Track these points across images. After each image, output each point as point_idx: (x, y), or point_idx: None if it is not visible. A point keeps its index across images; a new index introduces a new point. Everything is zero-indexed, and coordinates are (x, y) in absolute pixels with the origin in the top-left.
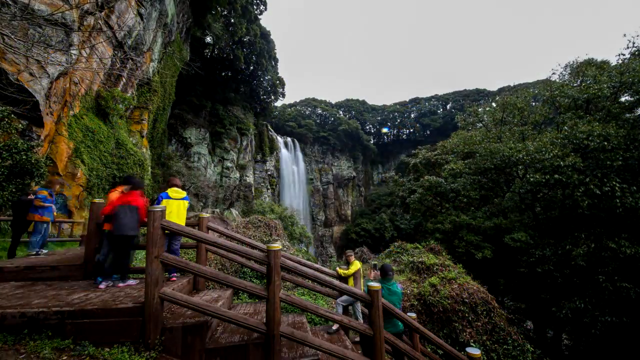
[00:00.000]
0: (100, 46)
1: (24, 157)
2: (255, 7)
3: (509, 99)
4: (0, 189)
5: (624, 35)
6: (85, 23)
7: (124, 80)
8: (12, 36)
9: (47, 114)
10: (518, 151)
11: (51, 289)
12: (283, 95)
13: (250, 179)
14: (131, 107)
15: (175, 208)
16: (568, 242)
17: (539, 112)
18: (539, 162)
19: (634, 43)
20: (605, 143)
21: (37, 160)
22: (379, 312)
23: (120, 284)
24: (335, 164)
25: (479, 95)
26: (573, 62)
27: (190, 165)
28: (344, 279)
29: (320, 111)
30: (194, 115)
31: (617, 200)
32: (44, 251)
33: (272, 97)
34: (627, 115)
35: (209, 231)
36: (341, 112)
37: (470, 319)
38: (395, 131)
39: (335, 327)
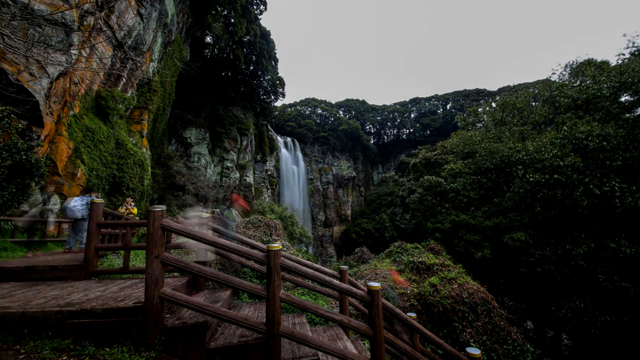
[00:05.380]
0: (100, 46)
1: (24, 157)
2: (255, 7)
3: (509, 99)
4: (0, 189)
5: (624, 35)
6: (85, 23)
7: (124, 80)
8: (12, 36)
9: (47, 114)
10: (518, 151)
11: (51, 289)
12: (283, 95)
13: (250, 179)
14: (131, 107)
15: None
16: (568, 242)
17: (538, 112)
18: (538, 162)
19: (633, 43)
20: (605, 143)
21: (37, 160)
22: (379, 312)
23: None
24: (335, 164)
25: (479, 95)
26: (573, 62)
27: (190, 165)
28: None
29: (320, 111)
30: (194, 115)
31: (617, 200)
32: None
33: (272, 97)
34: (627, 115)
35: (209, 231)
36: (341, 112)
37: (470, 318)
38: (395, 131)
39: None
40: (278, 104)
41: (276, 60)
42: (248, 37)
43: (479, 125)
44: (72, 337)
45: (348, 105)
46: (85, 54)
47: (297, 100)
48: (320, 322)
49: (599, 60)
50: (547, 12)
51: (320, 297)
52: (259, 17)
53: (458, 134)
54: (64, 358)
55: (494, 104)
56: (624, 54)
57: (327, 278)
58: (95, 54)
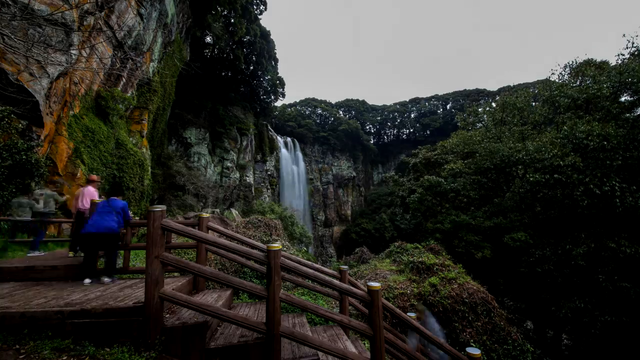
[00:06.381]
0: (100, 46)
1: (24, 157)
2: (255, 7)
3: (509, 99)
4: (0, 189)
5: (624, 35)
6: (85, 23)
7: (124, 80)
8: (12, 36)
9: (47, 114)
10: (518, 151)
11: (51, 288)
12: (283, 95)
13: (250, 179)
14: (131, 107)
15: None
16: (568, 242)
17: (538, 112)
18: (538, 161)
19: (633, 43)
20: (605, 143)
21: (37, 160)
22: (379, 312)
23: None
24: (335, 164)
25: (479, 95)
26: (572, 62)
27: (190, 165)
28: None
29: (320, 111)
30: (194, 115)
31: (617, 200)
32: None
33: (272, 97)
34: (627, 115)
35: (209, 231)
36: (341, 112)
37: (470, 319)
38: (395, 131)
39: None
40: (278, 104)
41: (276, 60)
42: (248, 37)
43: (479, 125)
44: (72, 337)
45: (348, 105)
46: (85, 54)
47: (297, 100)
48: (320, 322)
49: (598, 60)
50: (550, 16)
51: (320, 297)
52: (259, 17)
53: (458, 134)
54: (64, 358)
55: (494, 104)
56: (623, 54)
57: (327, 278)
58: (95, 54)
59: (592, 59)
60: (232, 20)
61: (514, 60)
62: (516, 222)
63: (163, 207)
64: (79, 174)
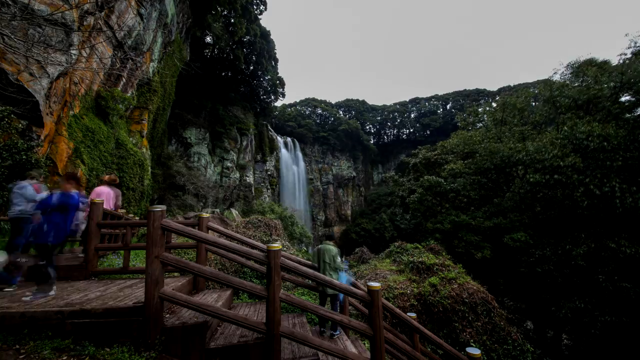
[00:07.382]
0: (100, 46)
1: (24, 157)
2: (255, 7)
3: (509, 99)
4: (0, 189)
5: (626, 34)
6: (85, 23)
7: (124, 80)
8: (12, 36)
9: (47, 114)
10: (518, 151)
11: None
12: (283, 95)
13: (250, 179)
14: (131, 107)
15: None
16: (568, 242)
17: (539, 112)
18: (538, 162)
19: (635, 42)
20: (605, 143)
21: (37, 160)
22: (379, 312)
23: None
24: (335, 164)
25: (479, 95)
26: (574, 61)
27: (190, 165)
28: None
29: (320, 111)
30: (194, 115)
31: (617, 201)
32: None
33: (272, 97)
34: (627, 115)
35: (209, 231)
36: (341, 112)
37: (470, 318)
38: (395, 131)
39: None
40: (278, 104)
41: (276, 60)
42: (248, 37)
43: (479, 125)
44: (72, 337)
45: (348, 105)
46: (85, 54)
47: (297, 100)
48: None
49: (600, 60)
50: (551, 17)
51: None
52: (259, 17)
53: (458, 134)
54: (64, 358)
55: (494, 104)
56: (625, 54)
57: (327, 278)
58: (95, 54)
59: (593, 58)
60: (232, 20)
61: (514, 60)
62: (516, 222)
63: (163, 207)
64: (79, 174)
